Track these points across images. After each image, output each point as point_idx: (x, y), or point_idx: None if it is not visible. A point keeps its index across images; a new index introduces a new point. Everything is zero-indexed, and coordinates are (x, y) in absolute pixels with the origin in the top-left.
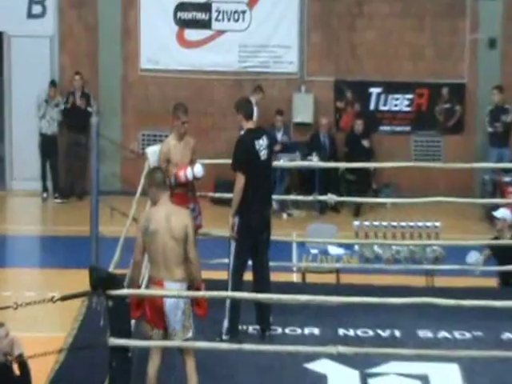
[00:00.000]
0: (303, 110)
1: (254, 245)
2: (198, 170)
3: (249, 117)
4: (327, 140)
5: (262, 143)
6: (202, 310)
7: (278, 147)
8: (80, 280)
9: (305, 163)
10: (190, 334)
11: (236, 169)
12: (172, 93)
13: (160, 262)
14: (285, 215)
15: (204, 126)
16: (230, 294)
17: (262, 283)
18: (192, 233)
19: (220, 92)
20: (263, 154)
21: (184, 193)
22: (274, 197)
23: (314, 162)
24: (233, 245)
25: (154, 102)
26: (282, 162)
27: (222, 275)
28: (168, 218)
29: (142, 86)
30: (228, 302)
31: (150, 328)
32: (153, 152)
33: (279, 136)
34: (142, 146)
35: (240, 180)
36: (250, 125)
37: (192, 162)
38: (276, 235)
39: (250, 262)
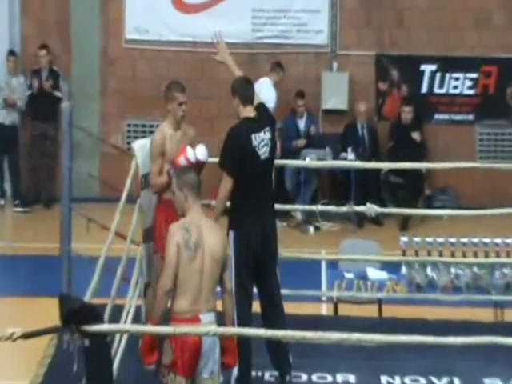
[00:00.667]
0: (335, 94)
1: (256, 265)
2: (201, 150)
3: (246, 101)
4: (366, 132)
5: (262, 137)
6: (231, 358)
7: (301, 142)
8: (47, 312)
9: (337, 162)
10: (221, 377)
11: (223, 168)
12: (166, 71)
13: (195, 289)
14: (311, 229)
15: (206, 114)
16: (238, 330)
17: (272, 313)
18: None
19: (228, 70)
20: (263, 152)
21: None
22: (298, 206)
23: (350, 160)
24: (231, 267)
25: (142, 82)
26: (307, 161)
27: None
28: (206, 232)
29: (128, 63)
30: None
31: (184, 379)
32: (141, 146)
33: (301, 125)
34: (127, 139)
35: (226, 184)
36: (247, 112)
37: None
38: (299, 254)
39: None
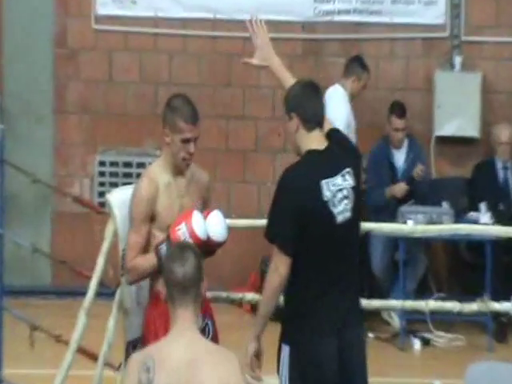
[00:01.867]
0: (458, 110)
1: None
2: (217, 221)
3: (311, 123)
4: None
5: (340, 185)
6: None
7: (400, 189)
8: None
9: (462, 227)
10: None
11: (273, 241)
12: (166, 71)
13: None
14: (417, 343)
15: (236, 145)
16: None
17: None
18: None
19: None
20: (342, 211)
21: None
22: (395, 302)
23: (483, 224)
24: None
25: (125, 90)
26: (410, 225)
27: None
28: (195, 364)
29: (101, 57)
30: None
31: None
32: (123, 201)
33: (399, 162)
34: (99, 186)
35: (280, 267)
36: (314, 142)
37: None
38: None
39: None
